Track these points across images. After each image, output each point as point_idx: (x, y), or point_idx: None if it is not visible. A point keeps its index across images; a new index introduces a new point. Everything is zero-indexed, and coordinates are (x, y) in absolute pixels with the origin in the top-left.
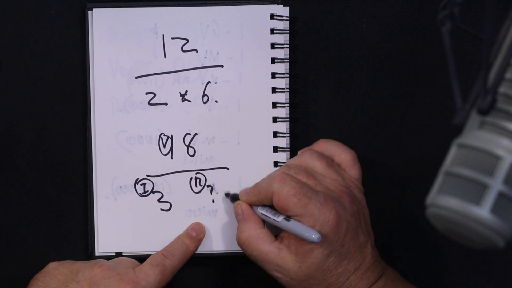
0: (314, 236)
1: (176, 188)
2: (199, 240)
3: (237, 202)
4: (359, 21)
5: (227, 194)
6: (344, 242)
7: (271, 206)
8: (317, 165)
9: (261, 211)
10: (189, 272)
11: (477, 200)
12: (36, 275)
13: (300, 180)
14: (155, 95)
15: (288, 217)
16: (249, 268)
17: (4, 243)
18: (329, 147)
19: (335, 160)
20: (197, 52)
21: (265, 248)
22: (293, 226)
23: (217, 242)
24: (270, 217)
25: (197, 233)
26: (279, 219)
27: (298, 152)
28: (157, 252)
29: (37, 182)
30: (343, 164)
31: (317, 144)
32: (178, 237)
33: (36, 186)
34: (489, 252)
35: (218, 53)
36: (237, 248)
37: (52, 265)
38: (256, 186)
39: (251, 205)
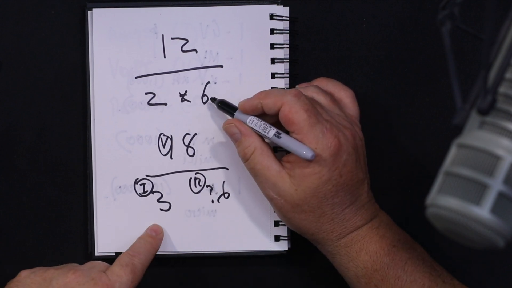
0: (308, 153)
1: (175, 188)
2: (159, 239)
3: (230, 120)
4: (359, 21)
5: (213, 99)
6: (342, 172)
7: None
8: (322, 99)
9: (250, 124)
10: (189, 272)
11: (477, 200)
12: (8, 284)
13: (311, 102)
14: (154, 95)
15: (279, 133)
16: (249, 268)
17: (4, 243)
18: (329, 84)
19: (335, 96)
20: (196, 52)
21: (268, 162)
22: (288, 141)
23: (216, 242)
24: (260, 132)
25: (156, 233)
26: (270, 134)
27: (297, 86)
28: (124, 252)
29: (37, 182)
30: (342, 102)
31: (318, 81)
32: (140, 238)
33: (36, 186)
34: (489, 252)
35: (217, 53)
36: (236, 248)
37: (24, 274)
38: (264, 91)
39: (245, 112)
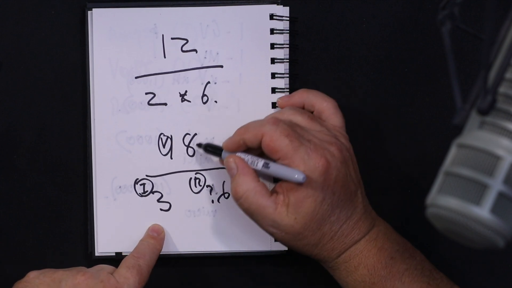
0: (298, 176)
1: (175, 188)
2: (161, 239)
3: (229, 156)
4: (359, 21)
5: (199, 145)
6: (335, 189)
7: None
8: (300, 120)
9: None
10: (189, 272)
11: (477, 200)
12: (15, 284)
13: (291, 126)
14: (154, 95)
15: (267, 163)
16: (249, 268)
17: (4, 243)
18: (310, 96)
19: (316, 108)
20: (196, 52)
21: (263, 202)
22: (278, 169)
23: (216, 242)
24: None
25: (157, 233)
26: (259, 166)
27: (278, 99)
28: (128, 255)
29: (37, 182)
30: (325, 113)
31: (298, 93)
32: (142, 239)
33: (36, 186)
34: (489, 252)
35: (217, 53)
36: (236, 248)
37: (32, 274)
38: (244, 126)
39: (231, 150)
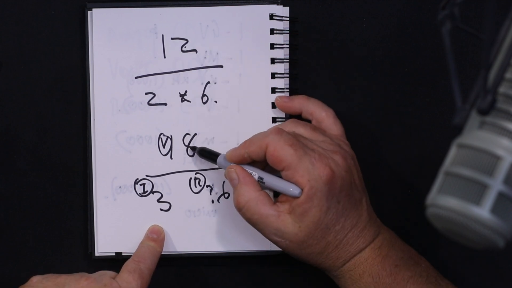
0: (295, 190)
1: (175, 188)
2: (161, 240)
3: (230, 166)
4: (359, 21)
5: (193, 148)
6: (339, 198)
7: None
8: (302, 131)
9: None
10: (189, 272)
11: (477, 200)
12: None
13: (294, 136)
14: (154, 95)
15: (261, 178)
16: (249, 268)
17: (4, 243)
18: (309, 104)
19: (315, 117)
20: (196, 52)
21: (265, 211)
22: (273, 183)
23: (216, 242)
24: None
25: (157, 234)
26: (255, 178)
27: (277, 97)
28: (129, 259)
29: (37, 182)
30: (324, 122)
31: (298, 99)
32: (142, 242)
33: (36, 186)
34: (489, 252)
35: (217, 54)
36: (236, 248)
37: (35, 279)
38: (248, 139)
39: (235, 162)
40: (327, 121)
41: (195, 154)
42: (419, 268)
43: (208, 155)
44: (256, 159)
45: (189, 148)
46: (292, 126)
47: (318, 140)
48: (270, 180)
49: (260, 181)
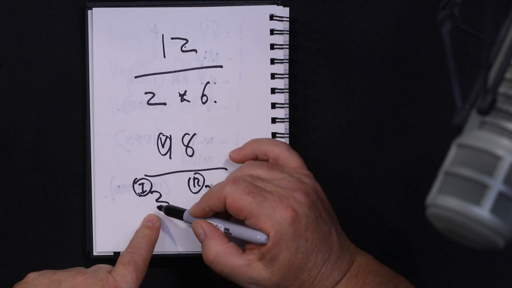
0: (262, 237)
1: (174, 188)
2: (157, 228)
3: (196, 221)
4: (359, 21)
5: (159, 207)
6: (307, 236)
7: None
8: (260, 172)
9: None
10: (189, 272)
11: (477, 200)
12: (15, 285)
13: (252, 182)
14: (154, 95)
15: (227, 230)
16: None
17: (3, 243)
18: (260, 145)
19: (270, 156)
20: (196, 52)
21: (235, 262)
22: (239, 233)
23: None
24: None
25: (153, 222)
26: (221, 228)
27: (230, 153)
28: (124, 251)
29: (36, 182)
30: (280, 157)
31: (248, 145)
32: (137, 231)
33: (35, 186)
34: (489, 252)
35: (217, 54)
36: None
37: (32, 276)
38: (206, 193)
39: (199, 216)
40: (282, 156)
41: (162, 213)
42: None
43: (174, 212)
44: (218, 211)
45: (188, 148)
46: (249, 169)
47: (276, 179)
48: (236, 230)
49: (227, 232)
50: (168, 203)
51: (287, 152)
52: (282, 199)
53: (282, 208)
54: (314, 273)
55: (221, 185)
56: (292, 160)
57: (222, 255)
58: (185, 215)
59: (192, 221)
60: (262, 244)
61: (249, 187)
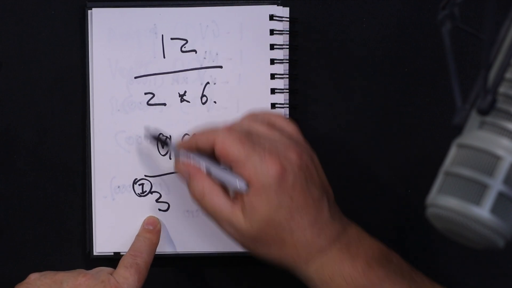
0: (241, 184)
1: (174, 188)
2: (158, 231)
3: (180, 162)
4: (359, 21)
5: (146, 130)
6: (293, 195)
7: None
8: (258, 128)
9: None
10: (189, 272)
11: (477, 200)
12: (16, 286)
13: (247, 133)
14: (154, 95)
15: (209, 168)
16: (248, 268)
17: (3, 243)
18: (257, 115)
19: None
20: (196, 52)
21: (218, 201)
22: (219, 174)
23: (215, 243)
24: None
25: (153, 225)
26: (202, 167)
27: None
28: (125, 254)
29: (36, 182)
30: (277, 125)
31: (246, 115)
32: (138, 235)
33: (35, 186)
34: (489, 252)
35: (217, 54)
36: (235, 249)
37: (33, 276)
38: (199, 131)
39: (183, 146)
40: (279, 123)
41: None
42: (392, 265)
43: (159, 139)
44: (203, 149)
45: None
46: (248, 122)
47: (273, 139)
48: (217, 171)
49: (208, 170)
50: (168, 204)
51: (283, 119)
52: (272, 153)
53: (271, 162)
54: (297, 234)
55: (215, 128)
56: (289, 127)
57: (208, 190)
58: (172, 145)
59: (176, 153)
60: (242, 193)
61: (241, 136)
